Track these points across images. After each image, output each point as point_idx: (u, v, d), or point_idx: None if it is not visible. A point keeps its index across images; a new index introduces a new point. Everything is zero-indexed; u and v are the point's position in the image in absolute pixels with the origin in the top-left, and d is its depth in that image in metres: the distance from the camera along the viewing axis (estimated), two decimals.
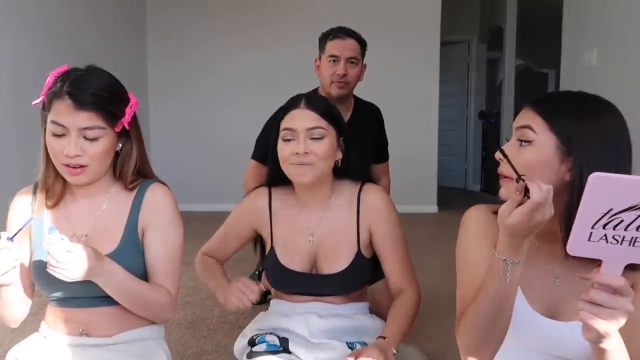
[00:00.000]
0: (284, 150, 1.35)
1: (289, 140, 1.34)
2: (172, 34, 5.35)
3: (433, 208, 5.42)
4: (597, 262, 0.80)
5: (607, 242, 0.76)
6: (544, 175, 0.94)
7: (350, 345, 1.31)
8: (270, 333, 1.36)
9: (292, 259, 1.41)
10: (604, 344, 0.81)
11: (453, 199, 5.92)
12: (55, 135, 1.14)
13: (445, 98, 6.08)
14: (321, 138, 1.34)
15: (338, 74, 2.20)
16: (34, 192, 1.26)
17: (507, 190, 1.00)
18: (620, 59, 3.37)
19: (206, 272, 1.49)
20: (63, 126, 1.13)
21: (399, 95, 5.25)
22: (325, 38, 2.28)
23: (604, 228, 0.76)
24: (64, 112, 1.12)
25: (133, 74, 5.12)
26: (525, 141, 0.98)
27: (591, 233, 0.76)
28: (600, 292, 0.77)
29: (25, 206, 1.26)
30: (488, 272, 0.94)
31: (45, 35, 3.67)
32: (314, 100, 1.38)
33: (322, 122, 1.35)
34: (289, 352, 1.30)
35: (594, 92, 1.02)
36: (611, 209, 0.74)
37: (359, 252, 1.40)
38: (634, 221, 0.75)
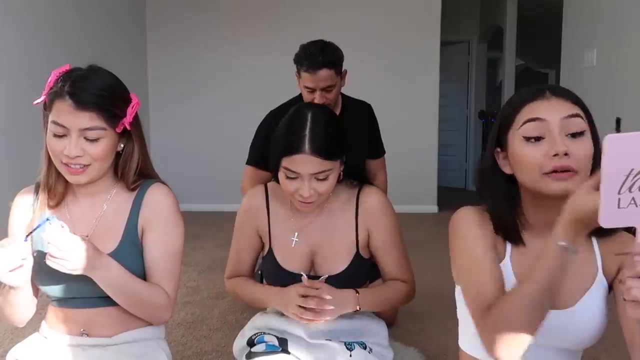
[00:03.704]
0: (287, 185, 1.31)
1: (292, 178, 1.30)
2: (173, 31, 5.34)
3: (433, 208, 5.42)
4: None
5: (636, 205, 0.75)
6: (590, 166, 0.95)
7: (349, 346, 1.31)
8: (269, 333, 1.35)
9: (291, 261, 1.41)
10: None
11: (453, 199, 5.89)
12: (56, 135, 1.14)
13: (445, 98, 6.07)
14: (326, 179, 1.31)
15: (317, 102, 2.19)
16: (36, 192, 1.26)
17: (574, 184, 0.93)
18: (620, 59, 3.37)
19: (243, 290, 1.47)
20: (64, 126, 1.12)
21: (399, 95, 5.25)
22: (298, 64, 2.25)
23: (630, 191, 0.74)
24: (65, 113, 1.12)
25: (133, 72, 5.11)
26: (578, 133, 0.95)
27: (619, 199, 0.75)
28: None
29: (27, 206, 1.26)
30: (540, 259, 0.90)
31: (54, 27, 3.71)
32: (318, 141, 1.27)
33: (327, 165, 1.28)
34: (288, 353, 1.30)
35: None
36: (632, 169, 0.73)
37: (357, 253, 1.41)
38: None
